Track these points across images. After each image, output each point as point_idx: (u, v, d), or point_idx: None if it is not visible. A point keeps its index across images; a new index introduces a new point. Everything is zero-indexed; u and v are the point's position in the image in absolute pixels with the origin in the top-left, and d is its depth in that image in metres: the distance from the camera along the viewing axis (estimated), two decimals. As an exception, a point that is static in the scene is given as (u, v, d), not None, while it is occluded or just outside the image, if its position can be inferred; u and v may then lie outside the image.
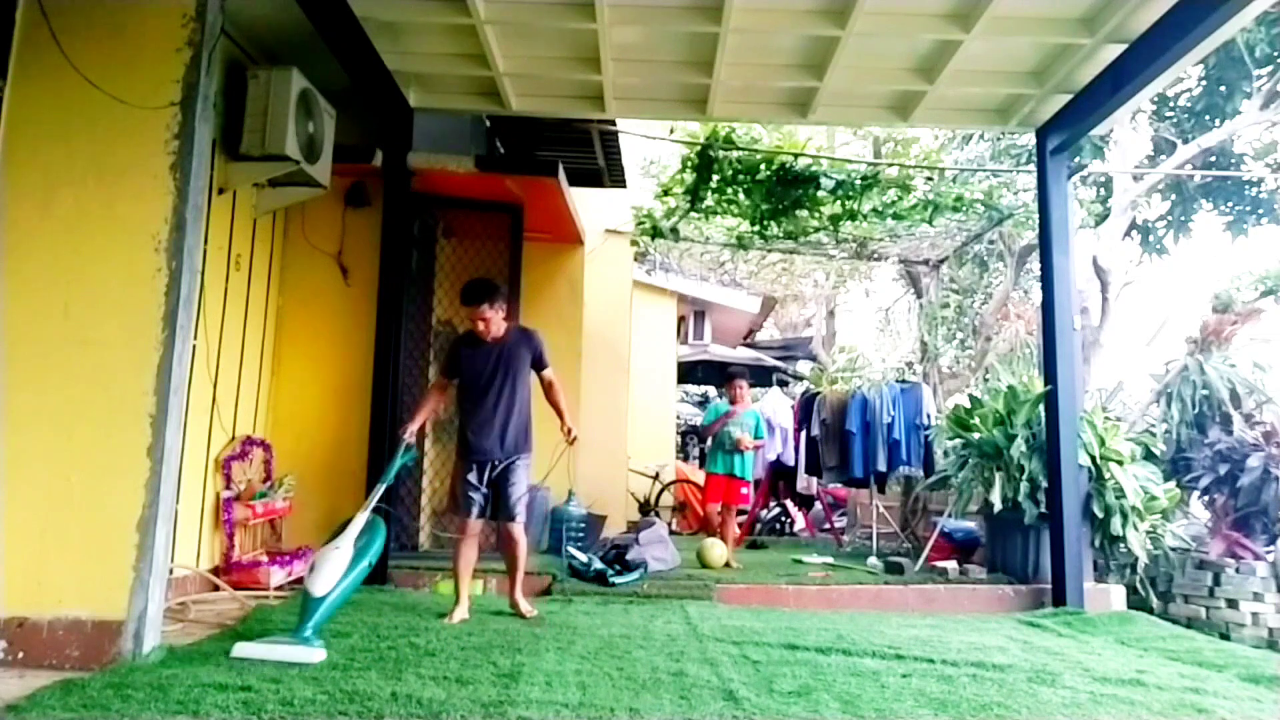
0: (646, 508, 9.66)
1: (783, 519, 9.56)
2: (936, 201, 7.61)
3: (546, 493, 6.04)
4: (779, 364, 13.62)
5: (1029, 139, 8.51)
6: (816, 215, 7.87)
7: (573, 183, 6.54)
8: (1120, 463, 5.48)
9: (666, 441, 11.08)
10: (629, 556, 5.50)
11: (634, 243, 8.70)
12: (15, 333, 3.28)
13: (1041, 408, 5.51)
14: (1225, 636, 5.50)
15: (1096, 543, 5.46)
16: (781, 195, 7.64)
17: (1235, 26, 4.31)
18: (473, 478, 4.28)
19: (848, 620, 4.59)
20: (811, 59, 5.07)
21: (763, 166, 7.50)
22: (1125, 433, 5.93)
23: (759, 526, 9.21)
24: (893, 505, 7.99)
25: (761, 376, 12.63)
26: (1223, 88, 9.29)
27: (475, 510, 4.29)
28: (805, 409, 7.90)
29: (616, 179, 7.83)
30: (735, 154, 7.49)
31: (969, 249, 10.02)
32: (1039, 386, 5.59)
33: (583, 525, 6.14)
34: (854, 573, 5.93)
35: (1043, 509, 5.37)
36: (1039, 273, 5.84)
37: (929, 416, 7.11)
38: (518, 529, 4.33)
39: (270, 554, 5.03)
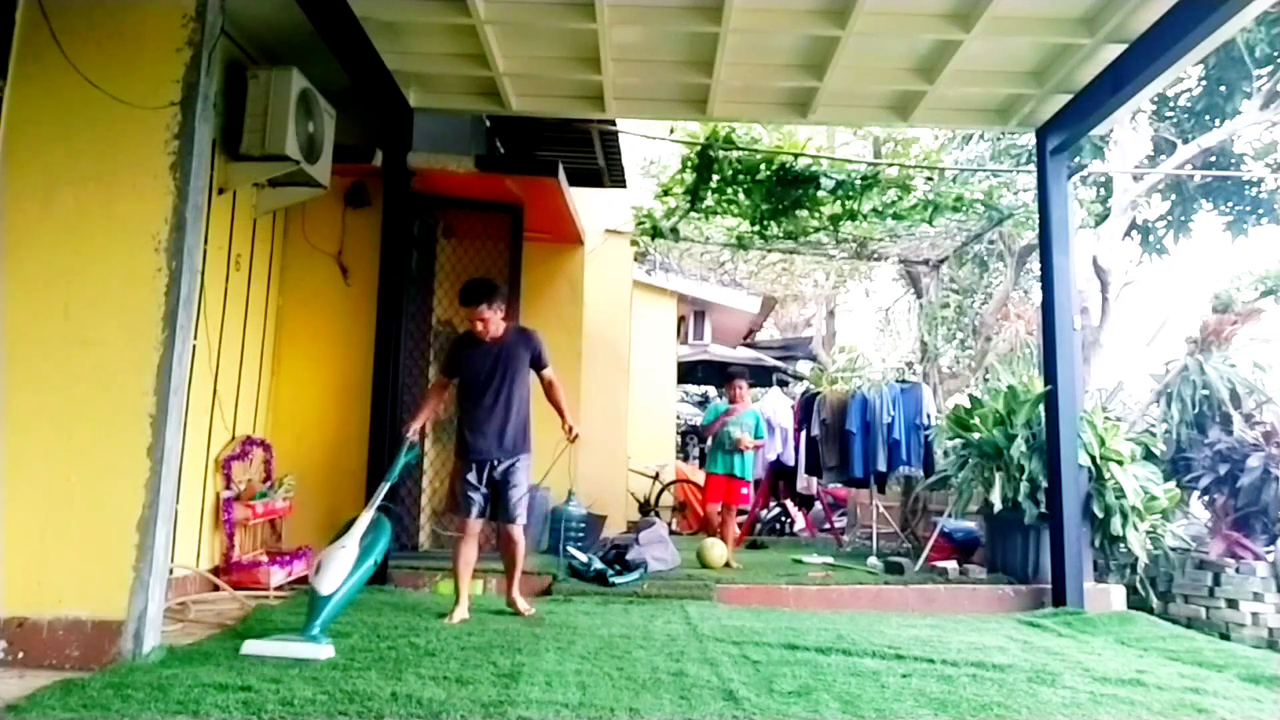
0: (646, 508, 9.65)
1: (783, 519, 9.55)
2: (936, 201, 7.61)
3: (546, 493, 6.04)
4: (779, 364, 13.61)
5: (1029, 139, 8.51)
6: (816, 215, 7.87)
7: (573, 183, 6.54)
8: (1120, 463, 5.48)
9: (666, 441, 11.08)
10: (629, 556, 5.50)
11: (634, 243, 8.70)
12: (15, 333, 3.27)
13: (1041, 408, 5.51)
14: (1225, 636, 5.50)
15: (1096, 543, 5.46)
16: (781, 195, 7.64)
17: (1235, 26, 4.31)
18: (472, 477, 4.28)
19: (848, 620, 4.59)
20: (811, 59, 5.07)
21: (763, 166, 7.50)
22: (1125, 433, 5.93)
23: (759, 526, 9.20)
24: (893, 505, 7.98)
25: (761, 376, 12.63)
26: (1223, 88, 9.29)
27: (475, 510, 4.30)
28: (805, 409, 7.90)
29: (616, 179, 7.83)
30: (735, 154, 7.49)
31: (969, 249, 10.01)
32: (1039, 386, 5.59)
33: (582, 525, 6.13)
34: (854, 573, 5.93)
35: (1043, 509, 5.37)
36: (1039, 273, 5.84)
37: (929, 416, 7.10)
38: (518, 530, 4.34)
39: (270, 554, 5.03)
